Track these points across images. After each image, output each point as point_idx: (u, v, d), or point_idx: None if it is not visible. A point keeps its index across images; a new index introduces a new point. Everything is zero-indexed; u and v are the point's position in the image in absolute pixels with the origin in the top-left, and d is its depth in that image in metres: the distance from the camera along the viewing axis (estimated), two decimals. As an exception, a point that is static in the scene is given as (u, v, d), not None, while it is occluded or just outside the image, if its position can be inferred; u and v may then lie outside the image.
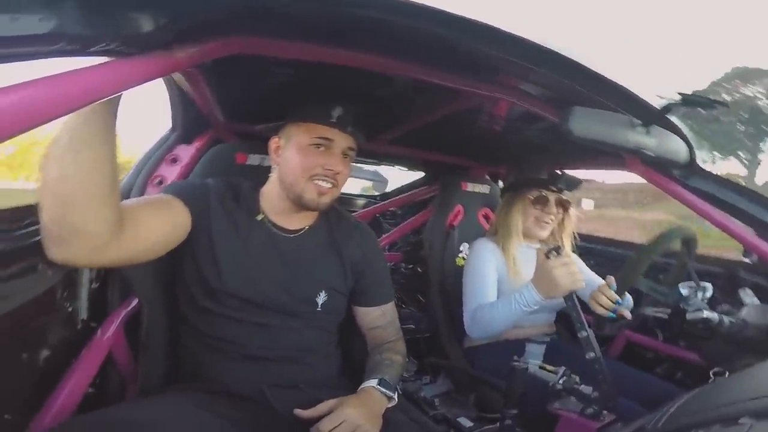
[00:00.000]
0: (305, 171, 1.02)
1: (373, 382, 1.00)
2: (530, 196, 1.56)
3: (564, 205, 1.59)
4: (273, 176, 1.09)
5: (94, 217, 0.70)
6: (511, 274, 1.51)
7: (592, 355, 1.05)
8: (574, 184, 1.58)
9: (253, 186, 1.11)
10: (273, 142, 1.08)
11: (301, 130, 1.04)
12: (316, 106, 1.04)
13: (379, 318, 1.18)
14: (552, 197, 1.56)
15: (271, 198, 1.08)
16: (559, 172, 1.61)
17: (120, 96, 0.68)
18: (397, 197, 2.64)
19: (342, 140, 1.05)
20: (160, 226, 0.89)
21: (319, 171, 1.02)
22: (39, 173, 0.66)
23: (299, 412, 0.93)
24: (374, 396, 0.99)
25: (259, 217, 1.06)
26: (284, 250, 1.06)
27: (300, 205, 1.05)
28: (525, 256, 1.55)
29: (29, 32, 0.49)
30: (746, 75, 25.35)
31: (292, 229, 1.09)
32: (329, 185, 1.04)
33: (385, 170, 3.02)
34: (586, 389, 1.06)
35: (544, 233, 1.58)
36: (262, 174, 1.13)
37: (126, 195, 1.30)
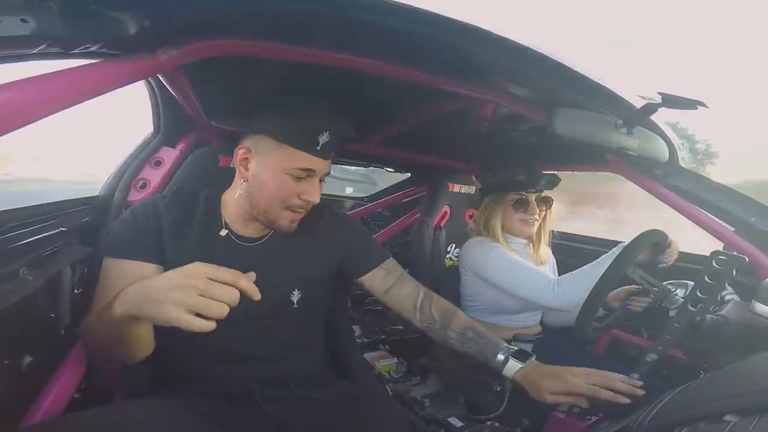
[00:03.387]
0: (281, 200, 0.97)
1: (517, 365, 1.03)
2: (510, 200, 1.56)
3: (547, 203, 1.60)
4: (238, 189, 1.02)
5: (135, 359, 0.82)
6: None
7: (636, 377, 1.00)
8: (553, 183, 1.58)
9: (213, 194, 1.06)
10: (241, 152, 1.00)
11: (283, 154, 0.95)
12: (305, 131, 0.96)
13: (387, 276, 1.15)
14: (533, 198, 1.56)
15: (232, 206, 1.04)
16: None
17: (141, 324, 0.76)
18: (385, 199, 2.65)
19: (323, 168, 1.00)
20: None
21: (296, 201, 0.98)
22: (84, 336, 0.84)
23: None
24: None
25: (223, 233, 1.02)
26: (250, 258, 1.03)
27: (270, 228, 1.03)
28: (518, 251, 1.58)
29: (10, 34, 0.48)
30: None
31: (257, 236, 1.06)
32: (303, 211, 1.01)
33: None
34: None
35: (531, 232, 1.59)
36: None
37: (108, 199, 1.28)
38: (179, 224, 0.98)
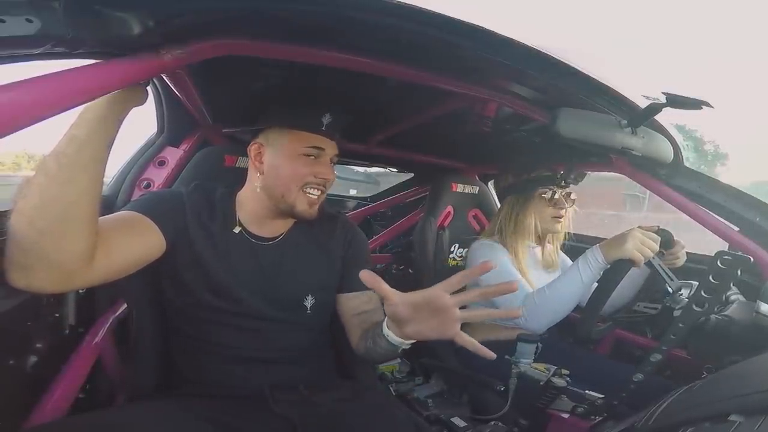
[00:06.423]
0: (298, 180, 1.01)
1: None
2: (544, 195, 1.55)
3: (571, 199, 1.58)
4: (253, 183, 1.05)
5: (66, 249, 0.67)
6: (522, 273, 1.49)
7: (640, 377, 1.00)
8: (580, 177, 1.57)
9: (228, 192, 1.08)
10: (254, 147, 1.04)
11: (292, 138, 1.01)
12: (308, 113, 1.01)
13: (366, 303, 1.11)
14: (561, 193, 1.55)
15: (249, 205, 1.06)
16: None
17: (115, 130, 0.69)
18: (388, 198, 2.64)
19: (330, 148, 1.05)
20: (133, 251, 0.85)
21: (311, 180, 1.02)
22: (16, 200, 0.64)
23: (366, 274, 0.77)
24: None
25: (237, 230, 1.04)
26: (264, 259, 1.04)
27: (289, 215, 1.04)
28: (528, 254, 1.57)
29: (15, 33, 0.49)
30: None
31: (271, 237, 1.07)
32: (318, 192, 1.04)
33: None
34: (591, 395, 1.06)
35: (559, 228, 1.58)
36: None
37: (113, 199, 1.29)
38: (202, 215, 1.00)
